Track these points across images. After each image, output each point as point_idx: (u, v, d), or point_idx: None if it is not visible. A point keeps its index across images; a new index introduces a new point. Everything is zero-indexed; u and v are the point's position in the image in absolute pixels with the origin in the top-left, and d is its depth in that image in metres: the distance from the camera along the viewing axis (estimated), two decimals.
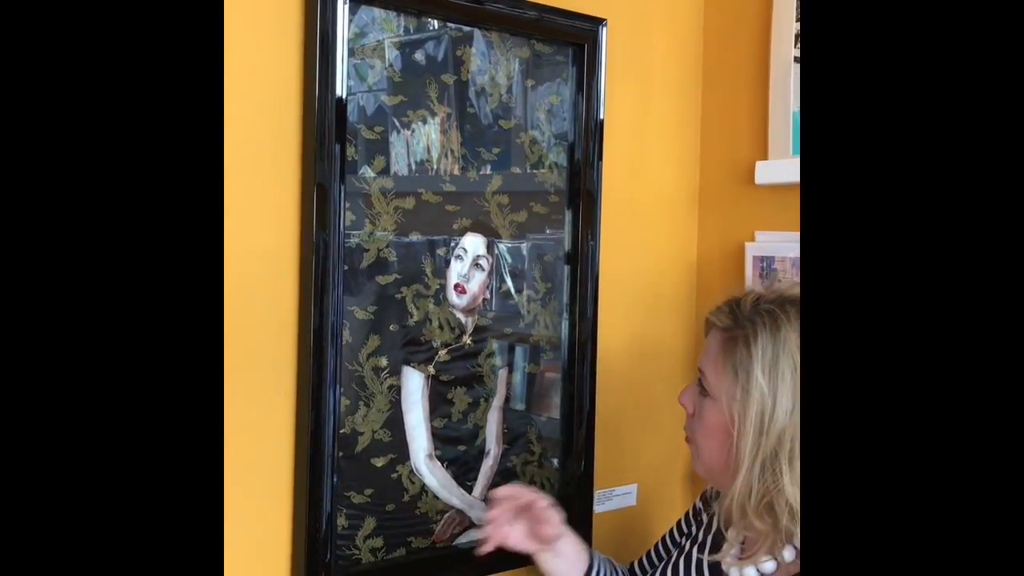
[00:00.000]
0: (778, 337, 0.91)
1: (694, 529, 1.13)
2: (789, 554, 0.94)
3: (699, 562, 1.05)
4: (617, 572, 1.17)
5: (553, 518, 1.07)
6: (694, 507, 1.16)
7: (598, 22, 1.25)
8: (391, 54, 1.08)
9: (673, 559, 1.09)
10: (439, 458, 1.15)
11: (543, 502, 1.07)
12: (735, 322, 0.96)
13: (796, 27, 1.26)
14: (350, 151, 1.04)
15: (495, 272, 1.19)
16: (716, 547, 1.05)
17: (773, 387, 0.89)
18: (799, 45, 1.26)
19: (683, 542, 1.12)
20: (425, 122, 1.11)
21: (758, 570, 0.96)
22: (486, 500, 1.16)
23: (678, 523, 1.18)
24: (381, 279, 1.08)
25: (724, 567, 1.00)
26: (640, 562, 1.19)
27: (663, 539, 1.19)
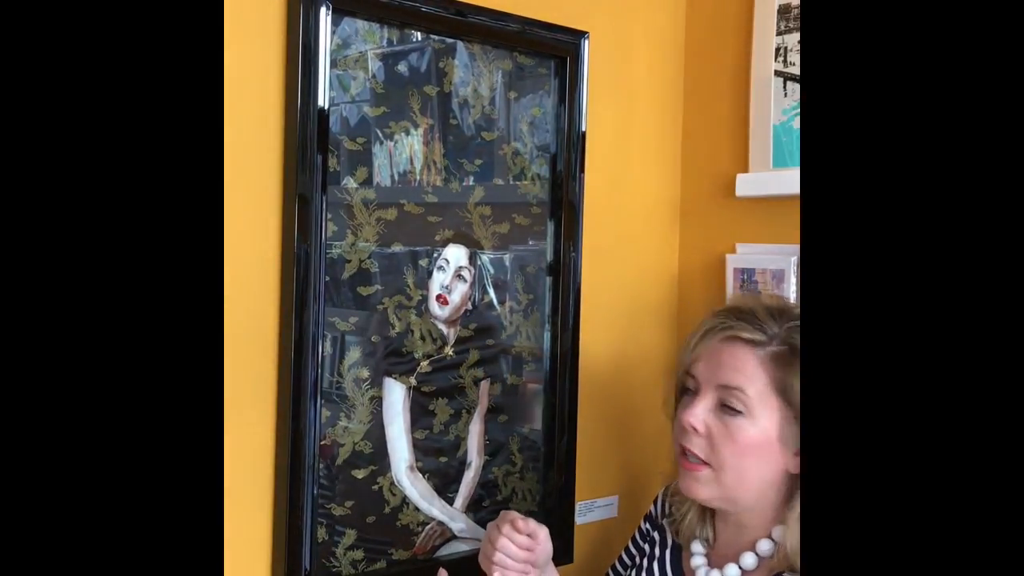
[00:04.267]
0: None
1: (647, 547, 1.11)
2: (750, 559, 0.95)
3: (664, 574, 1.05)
4: None
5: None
6: (640, 529, 1.15)
7: (580, 35, 1.26)
8: (374, 65, 1.08)
9: None
10: (420, 469, 1.14)
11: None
12: (768, 337, 0.91)
13: (776, 41, 1.27)
14: (332, 162, 1.04)
15: (477, 283, 1.19)
16: (676, 560, 1.05)
17: None
18: (783, 59, 1.27)
19: (641, 561, 1.10)
20: (408, 133, 1.11)
21: (740, 567, 0.96)
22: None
23: (626, 548, 1.16)
24: (363, 290, 1.08)
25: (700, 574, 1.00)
26: None
27: (620, 559, 1.17)
